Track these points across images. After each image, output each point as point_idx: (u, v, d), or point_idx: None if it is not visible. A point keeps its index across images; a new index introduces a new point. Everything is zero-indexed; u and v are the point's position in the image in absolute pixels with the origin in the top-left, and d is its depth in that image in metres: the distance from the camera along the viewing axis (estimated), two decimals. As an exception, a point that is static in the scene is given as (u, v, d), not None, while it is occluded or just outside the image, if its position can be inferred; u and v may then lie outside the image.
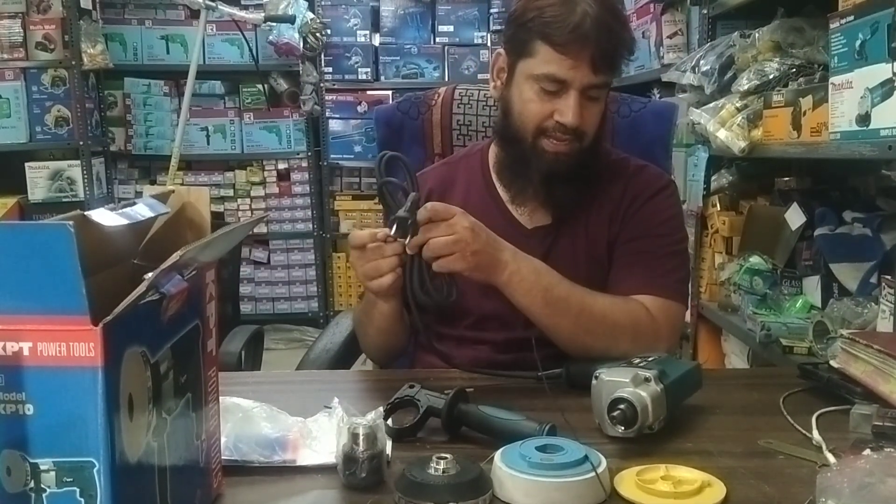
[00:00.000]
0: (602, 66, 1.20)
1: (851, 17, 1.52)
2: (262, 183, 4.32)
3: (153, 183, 4.21)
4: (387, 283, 1.15)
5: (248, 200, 4.31)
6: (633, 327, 1.22)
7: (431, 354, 1.30)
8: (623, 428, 0.93)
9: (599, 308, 1.22)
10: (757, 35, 2.14)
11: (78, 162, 3.78)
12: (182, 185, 3.76)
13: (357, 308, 1.44)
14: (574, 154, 1.25)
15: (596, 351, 1.17)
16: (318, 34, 4.11)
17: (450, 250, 1.13)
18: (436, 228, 1.13)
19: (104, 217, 0.61)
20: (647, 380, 0.96)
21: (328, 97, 4.31)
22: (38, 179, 3.76)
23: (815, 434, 0.97)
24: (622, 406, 0.93)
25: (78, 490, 0.56)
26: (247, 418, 0.92)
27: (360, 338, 1.42)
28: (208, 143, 4.26)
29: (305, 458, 0.89)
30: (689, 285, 1.39)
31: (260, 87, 4.22)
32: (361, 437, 0.84)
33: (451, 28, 4.31)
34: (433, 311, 1.30)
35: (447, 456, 0.80)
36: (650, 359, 1.02)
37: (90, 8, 3.88)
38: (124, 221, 0.63)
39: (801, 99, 1.85)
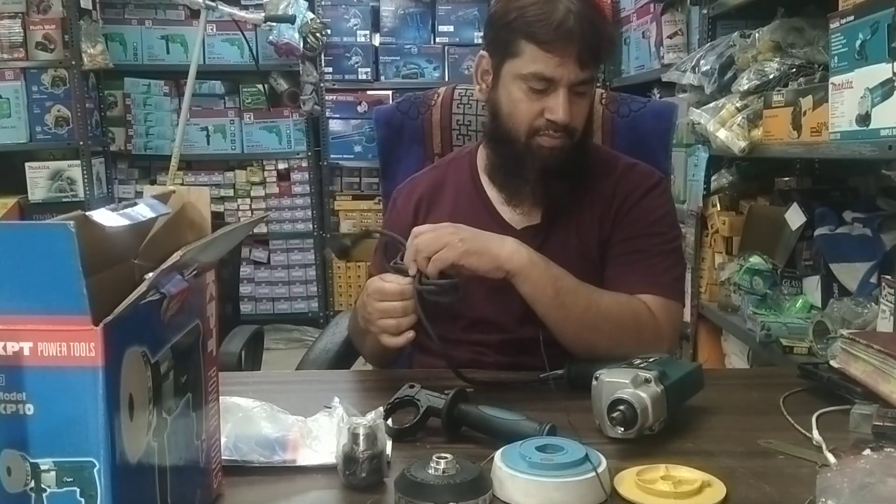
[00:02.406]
0: (588, 61, 1.21)
1: (851, 17, 1.52)
2: (262, 183, 4.32)
3: (153, 183, 4.21)
4: (402, 342, 1.16)
5: (248, 200, 4.31)
6: (636, 327, 1.22)
7: (430, 356, 1.30)
8: (623, 429, 0.93)
9: (605, 304, 1.21)
10: (757, 35, 2.14)
11: (78, 162, 3.78)
12: (182, 185, 3.76)
13: (352, 315, 1.40)
14: (567, 150, 1.25)
15: (600, 349, 1.17)
16: (318, 34, 4.11)
17: (439, 245, 1.15)
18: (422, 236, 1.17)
19: (105, 217, 0.61)
20: (647, 381, 0.95)
21: (328, 97, 4.31)
22: (38, 179, 3.76)
23: (815, 434, 0.97)
24: (622, 407, 0.93)
25: (78, 490, 0.56)
26: (247, 418, 0.92)
27: (356, 344, 1.42)
28: (208, 143, 4.26)
29: (305, 458, 0.89)
30: (685, 282, 1.39)
31: (260, 87, 4.22)
32: (361, 437, 0.84)
33: (451, 28, 4.31)
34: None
35: (447, 456, 0.80)
36: (651, 360, 1.02)
37: (90, 8, 3.87)
38: (125, 222, 0.63)
39: (801, 99, 1.85)
